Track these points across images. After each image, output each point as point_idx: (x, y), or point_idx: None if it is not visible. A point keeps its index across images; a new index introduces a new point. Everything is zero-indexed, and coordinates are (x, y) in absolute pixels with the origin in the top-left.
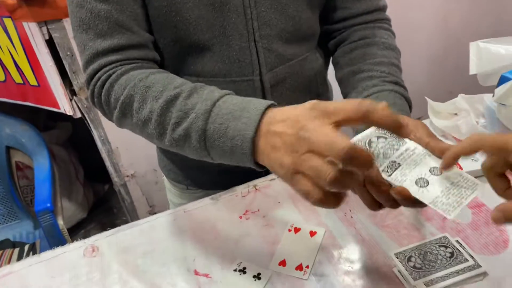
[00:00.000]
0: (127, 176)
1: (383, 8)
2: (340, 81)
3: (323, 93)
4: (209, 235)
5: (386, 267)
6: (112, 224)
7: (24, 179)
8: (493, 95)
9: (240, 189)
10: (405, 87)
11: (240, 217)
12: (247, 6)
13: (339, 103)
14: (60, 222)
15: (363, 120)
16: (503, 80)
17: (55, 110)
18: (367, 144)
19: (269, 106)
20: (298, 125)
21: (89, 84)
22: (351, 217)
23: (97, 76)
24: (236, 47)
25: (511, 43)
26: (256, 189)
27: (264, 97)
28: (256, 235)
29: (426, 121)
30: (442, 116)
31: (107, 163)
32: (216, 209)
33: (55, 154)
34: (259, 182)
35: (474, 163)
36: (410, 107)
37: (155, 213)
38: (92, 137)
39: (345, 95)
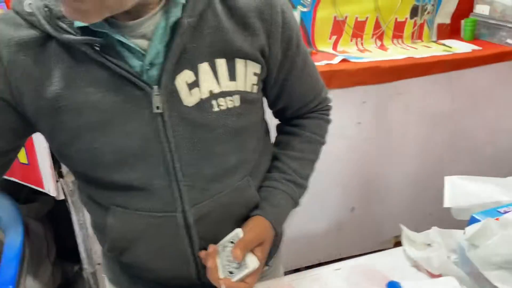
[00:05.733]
0: (99, 264)
1: (321, 97)
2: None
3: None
4: None
5: None
6: None
7: None
8: (464, 233)
9: None
10: (302, 184)
11: None
12: (167, 151)
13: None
14: None
15: None
16: (472, 220)
17: (40, 189)
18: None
19: None
20: None
21: None
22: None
23: None
24: (157, 186)
25: (484, 183)
26: None
27: (188, 232)
28: None
29: (399, 248)
30: (416, 245)
31: (81, 248)
32: None
33: (30, 229)
34: None
35: None
36: (296, 202)
37: None
38: (70, 217)
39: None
